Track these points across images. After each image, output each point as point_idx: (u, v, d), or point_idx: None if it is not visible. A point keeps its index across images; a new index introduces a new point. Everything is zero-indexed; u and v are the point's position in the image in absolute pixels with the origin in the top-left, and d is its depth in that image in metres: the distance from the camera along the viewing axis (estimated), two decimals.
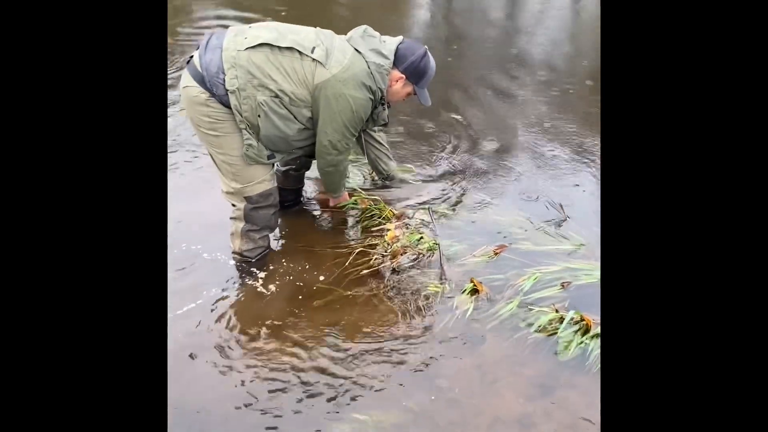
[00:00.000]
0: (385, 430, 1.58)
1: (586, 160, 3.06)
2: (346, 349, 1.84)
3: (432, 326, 1.94)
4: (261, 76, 1.90)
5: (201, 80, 1.90)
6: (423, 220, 2.47)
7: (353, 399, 1.67)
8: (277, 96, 1.93)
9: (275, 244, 2.34)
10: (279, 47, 1.92)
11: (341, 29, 2.15)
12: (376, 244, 2.31)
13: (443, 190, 2.74)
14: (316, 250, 2.30)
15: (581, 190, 2.78)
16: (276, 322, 1.94)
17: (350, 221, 2.52)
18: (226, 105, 1.92)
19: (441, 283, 2.13)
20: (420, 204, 2.60)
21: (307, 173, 2.57)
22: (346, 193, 2.49)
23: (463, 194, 2.71)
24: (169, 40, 4.37)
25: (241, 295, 2.07)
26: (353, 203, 2.53)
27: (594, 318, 1.91)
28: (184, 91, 1.95)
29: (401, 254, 2.26)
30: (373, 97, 2.08)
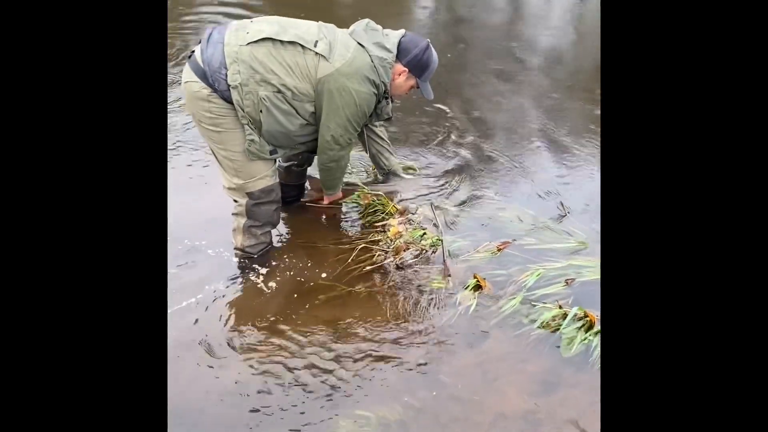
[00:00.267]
0: (388, 427, 1.58)
1: (593, 156, 3.04)
2: (349, 345, 1.83)
3: (435, 322, 1.94)
4: (263, 71, 1.88)
5: (203, 75, 1.89)
6: (426, 215, 2.46)
7: (356, 395, 1.67)
8: (279, 91, 1.92)
9: (277, 240, 2.33)
10: (281, 41, 1.91)
11: (344, 20, 2.14)
12: (379, 240, 2.31)
13: (446, 185, 2.73)
14: (319, 246, 2.29)
15: (587, 186, 2.77)
16: (278, 318, 1.94)
17: (353, 217, 2.51)
18: (228, 100, 1.91)
19: (444, 279, 2.12)
20: (423, 199, 2.59)
21: (309, 169, 2.57)
22: (341, 191, 2.48)
23: (466, 190, 2.70)
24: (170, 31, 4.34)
25: (243, 291, 2.07)
26: (356, 197, 2.53)
27: (597, 314, 1.90)
28: (185, 87, 1.94)
29: (404, 250, 2.26)
30: (376, 91, 2.07)
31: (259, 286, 2.08)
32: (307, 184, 2.61)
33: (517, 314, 1.96)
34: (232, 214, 2.16)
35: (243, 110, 1.92)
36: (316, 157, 2.27)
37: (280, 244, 2.33)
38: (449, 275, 2.14)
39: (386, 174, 2.69)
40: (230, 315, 1.96)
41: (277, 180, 2.15)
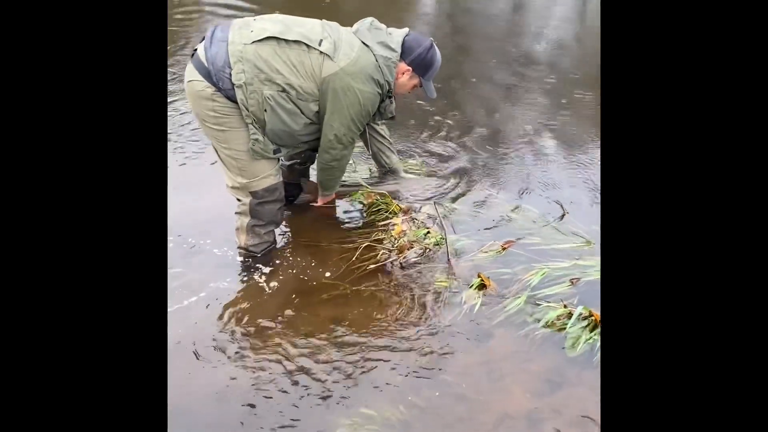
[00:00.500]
0: (392, 426, 1.57)
1: (595, 156, 3.03)
2: (353, 344, 1.83)
3: (439, 321, 1.93)
4: (268, 70, 1.88)
5: (207, 74, 1.89)
6: (430, 214, 2.45)
7: (359, 393, 1.66)
8: (284, 90, 1.91)
9: (280, 240, 2.33)
10: (286, 40, 1.90)
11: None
12: (383, 239, 2.30)
13: (450, 184, 2.72)
14: (322, 245, 2.29)
15: (592, 186, 2.76)
16: (281, 317, 1.93)
17: (356, 216, 2.51)
18: (232, 99, 1.91)
19: (448, 278, 2.12)
20: (427, 198, 2.59)
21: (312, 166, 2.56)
22: (335, 193, 2.47)
23: (470, 189, 2.69)
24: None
25: (246, 290, 2.07)
26: (359, 196, 2.52)
27: None
28: (188, 86, 1.94)
29: (408, 249, 2.25)
30: (380, 91, 2.06)
31: (262, 285, 2.08)
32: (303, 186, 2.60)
33: (522, 313, 1.95)
34: (236, 213, 2.16)
35: (247, 109, 1.91)
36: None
37: (283, 243, 2.32)
38: (453, 274, 2.13)
39: (387, 172, 2.68)
40: (233, 314, 1.96)
41: (281, 179, 2.15)
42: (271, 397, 1.65)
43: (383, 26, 2.09)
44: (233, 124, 1.95)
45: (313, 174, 2.56)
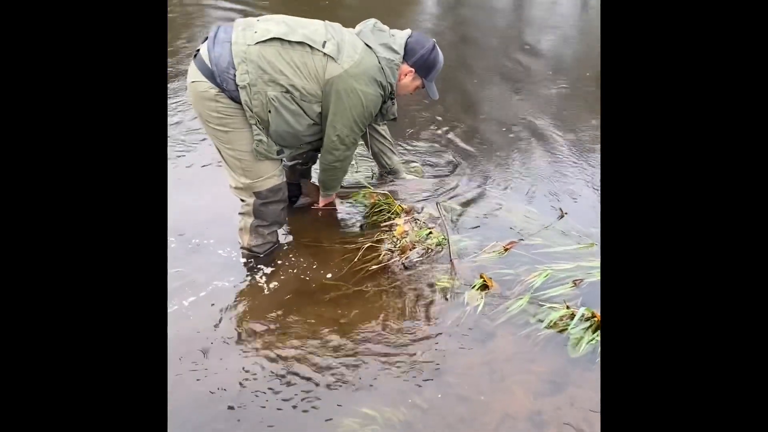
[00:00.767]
0: (394, 427, 1.57)
1: (598, 156, 3.02)
2: (355, 345, 1.83)
3: (441, 322, 1.93)
4: (272, 72, 1.89)
5: (210, 75, 1.89)
6: (432, 215, 2.45)
7: (361, 394, 1.66)
8: (287, 91, 1.92)
9: (283, 240, 2.33)
10: (290, 41, 1.91)
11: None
12: (385, 239, 2.30)
13: (451, 184, 2.72)
14: (325, 246, 2.29)
15: (597, 186, 2.75)
16: (283, 317, 1.94)
17: (358, 216, 2.51)
18: (236, 100, 1.91)
19: (450, 279, 2.12)
20: (429, 198, 2.59)
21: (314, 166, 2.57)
22: (335, 194, 2.47)
23: (471, 189, 2.69)
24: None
25: (248, 290, 2.07)
26: (362, 197, 2.52)
27: None
28: (192, 86, 1.95)
29: (410, 249, 2.25)
30: (383, 93, 2.07)
31: (265, 285, 2.08)
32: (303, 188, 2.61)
33: (525, 314, 1.95)
34: (239, 213, 2.17)
35: (251, 110, 1.92)
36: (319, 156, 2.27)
37: (286, 244, 2.33)
38: (455, 274, 2.13)
39: (388, 173, 2.68)
40: (235, 314, 1.96)
41: (284, 179, 2.15)
42: (271, 398, 1.65)
43: (386, 28, 2.10)
44: (237, 124, 1.96)
45: (315, 174, 2.57)
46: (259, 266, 2.16)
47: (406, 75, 2.12)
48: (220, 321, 1.92)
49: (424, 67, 2.12)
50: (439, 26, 5.39)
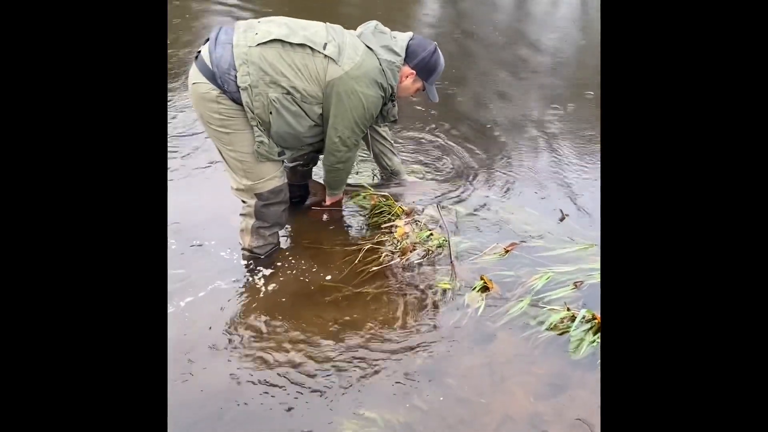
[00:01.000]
0: (394, 428, 1.57)
1: (598, 157, 3.02)
2: (355, 346, 1.83)
3: (441, 324, 1.93)
4: (273, 73, 1.89)
5: (212, 77, 1.90)
6: (432, 216, 2.45)
7: (361, 396, 1.66)
8: (288, 93, 1.92)
9: (284, 241, 2.33)
10: (291, 43, 1.91)
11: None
12: (386, 241, 2.30)
13: (453, 186, 2.72)
14: (325, 247, 2.30)
15: (595, 188, 2.75)
16: (283, 319, 1.94)
17: (359, 218, 2.51)
18: (237, 102, 1.92)
19: (451, 281, 2.12)
20: (429, 200, 2.59)
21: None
22: (342, 192, 2.48)
23: (472, 191, 2.69)
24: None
25: (249, 291, 2.07)
26: (362, 198, 2.52)
27: None
28: (193, 88, 1.95)
29: (411, 251, 2.25)
30: (384, 95, 2.07)
31: (265, 286, 2.08)
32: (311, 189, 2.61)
33: (525, 316, 1.95)
34: (240, 214, 2.17)
35: (252, 112, 1.92)
36: (321, 156, 2.27)
37: (287, 245, 2.33)
38: (456, 276, 2.13)
39: (389, 174, 2.69)
40: (235, 315, 1.96)
41: (286, 180, 2.15)
42: (272, 399, 1.65)
43: (387, 30, 2.10)
44: (238, 126, 1.96)
45: (316, 175, 2.57)
46: (259, 267, 2.16)
47: (407, 77, 2.13)
48: (217, 322, 1.92)
49: (425, 69, 2.13)
50: (440, 23, 5.40)
